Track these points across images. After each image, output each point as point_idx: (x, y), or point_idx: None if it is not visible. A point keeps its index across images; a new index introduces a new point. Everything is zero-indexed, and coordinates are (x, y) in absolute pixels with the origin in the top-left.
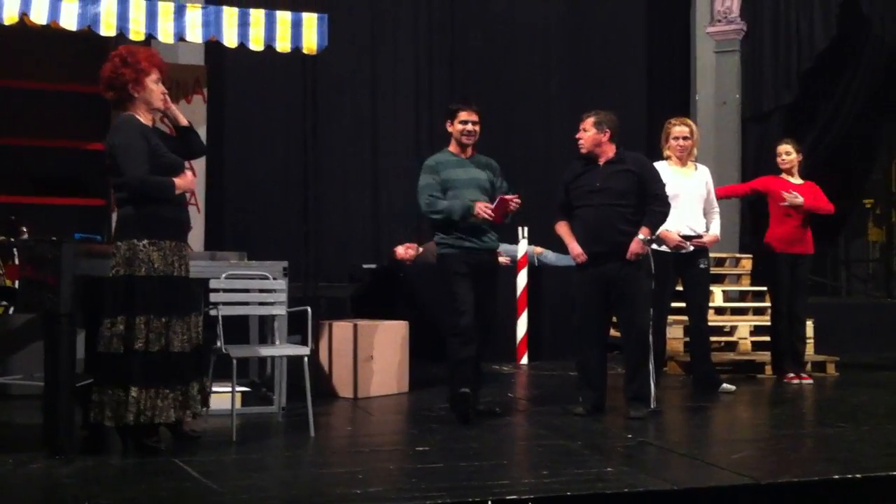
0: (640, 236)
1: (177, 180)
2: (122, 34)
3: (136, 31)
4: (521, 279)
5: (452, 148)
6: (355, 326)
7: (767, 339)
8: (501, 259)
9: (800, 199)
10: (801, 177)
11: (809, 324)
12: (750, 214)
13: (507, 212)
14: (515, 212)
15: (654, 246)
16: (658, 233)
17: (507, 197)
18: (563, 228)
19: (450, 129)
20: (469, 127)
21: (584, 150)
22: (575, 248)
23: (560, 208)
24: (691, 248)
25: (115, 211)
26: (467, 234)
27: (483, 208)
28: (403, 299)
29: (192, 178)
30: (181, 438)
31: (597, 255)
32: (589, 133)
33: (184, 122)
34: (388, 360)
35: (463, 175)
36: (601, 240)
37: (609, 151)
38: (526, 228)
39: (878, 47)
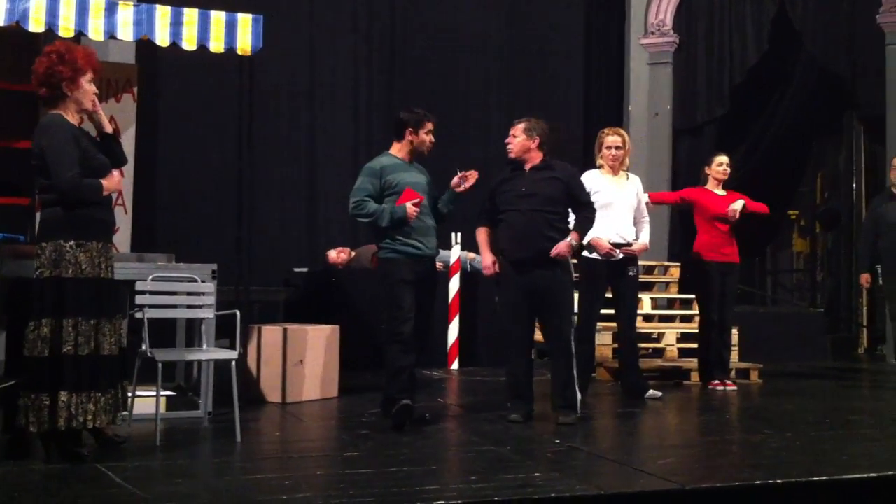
0: (570, 240)
1: (104, 181)
2: (51, 30)
3: (66, 28)
4: (454, 285)
5: (400, 153)
6: (285, 330)
7: (694, 346)
8: (436, 265)
9: (739, 204)
10: (726, 188)
11: (735, 332)
12: (680, 224)
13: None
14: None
15: (585, 253)
16: (589, 240)
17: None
18: (482, 236)
19: (409, 136)
20: (432, 138)
21: (512, 155)
22: (487, 258)
23: (483, 213)
24: (621, 255)
25: (39, 211)
26: (411, 239)
27: (413, 211)
28: (335, 304)
29: (119, 179)
30: (105, 444)
31: (522, 260)
32: (518, 139)
33: (108, 129)
34: (318, 365)
35: (411, 179)
36: (527, 245)
37: (536, 158)
38: (459, 234)
39: (809, 63)
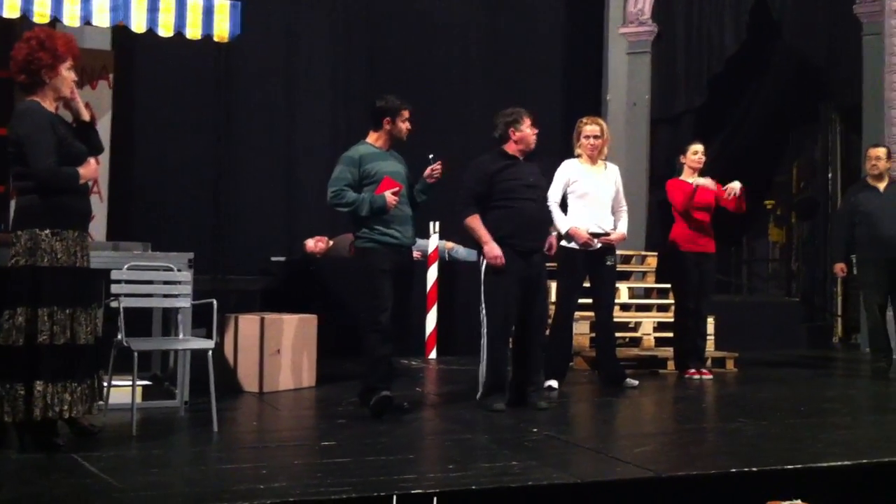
0: (555, 233)
1: (81, 170)
2: (25, 16)
3: (41, 14)
4: (432, 274)
5: (377, 142)
6: (262, 320)
7: (670, 335)
8: (414, 254)
9: (737, 185)
10: (702, 177)
11: (710, 321)
12: (657, 213)
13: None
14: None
15: (564, 242)
16: (567, 229)
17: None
18: (477, 222)
19: (387, 125)
20: (409, 125)
21: (523, 148)
22: (494, 249)
23: (473, 199)
24: (599, 245)
25: (13, 199)
26: (390, 228)
27: (393, 200)
28: (313, 293)
29: (95, 168)
30: (80, 433)
31: (531, 249)
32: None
33: (86, 117)
34: (295, 355)
35: (390, 168)
36: (538, 234)
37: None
38: (437, 223)
39: (786, 53)
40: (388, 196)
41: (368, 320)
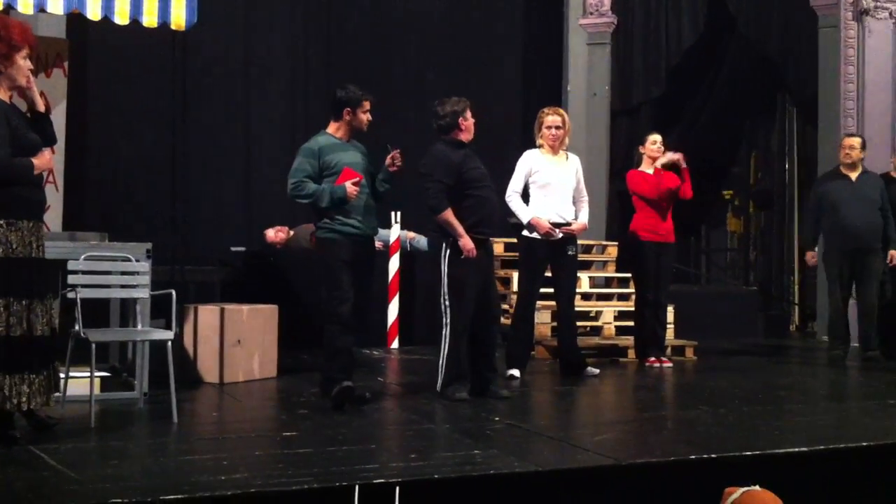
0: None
1: (35, 160)
2: None
3: None
4: (394, 264)
5: (337, 133)
6: (222, 310)
7: (631, 324)
8: (376, 244)
9: (677, 155)
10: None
11: (670, 310)
12: (618, 203)
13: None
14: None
15: (525, 232)
16: (529, 220)
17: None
18: (451, 216)
19: (347, 115)
20: (370, 116)
21: (471, 137)
22: (468, 242)
23: (445, 192)
24: (560, 235)
25: None
26: (350, 219)
27: (353, 191)
28: (273, 284)
29: (49, 158)
30: (37, 426)
31: (488, 237)
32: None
33: (41, 108)
34: (255, 345)
35: (350, 159)
36: (494, 224)
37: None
38: (399, 213)
39: (743, 45)
40: (349, 186)
41: (328, 311)
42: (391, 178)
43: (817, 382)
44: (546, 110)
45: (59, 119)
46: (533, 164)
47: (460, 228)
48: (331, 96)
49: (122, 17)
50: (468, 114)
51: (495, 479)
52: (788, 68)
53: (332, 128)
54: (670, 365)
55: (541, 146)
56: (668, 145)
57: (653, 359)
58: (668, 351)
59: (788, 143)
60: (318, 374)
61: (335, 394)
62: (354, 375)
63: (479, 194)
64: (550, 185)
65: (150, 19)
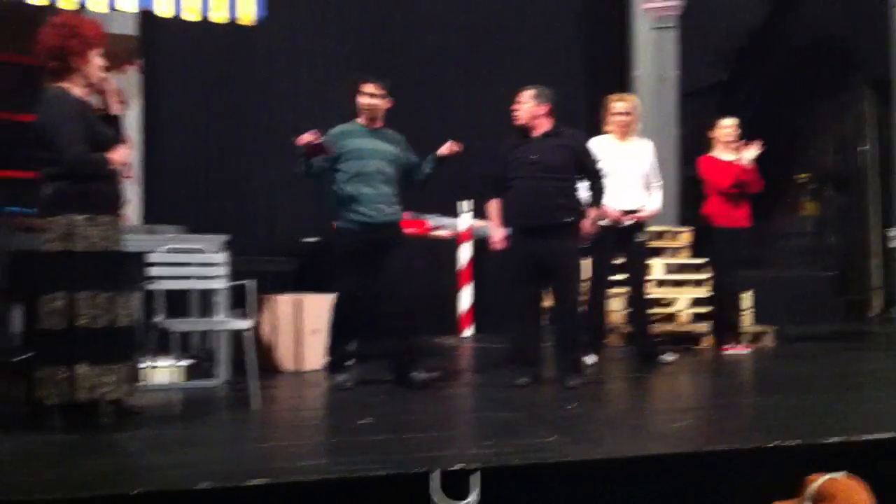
0: (591, 218)
1: (110, 155)
2: (52, 3)
3: (69, 0)
4: (465, 252)
5: (361, 119)
6: (299, 300)
7: (705, 310)
8: (443, 232)
9: (753, 154)
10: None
11: (746, 295)
12: (690, 189)
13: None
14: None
15: None
16: None
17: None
18: (493, 209)
19: (358, 101)
20: (373, 101)
21: (521, 122)
22: (497, 233)
23: (493, 183)
24: (629, 222)
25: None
26: (361, 207)
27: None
28: None
29: (125, 153)
30: (124, 414)
31: (531, 228)
32: (527, 105)
33: (115, 111)
34: None
35: (368, 145)
36: (535, 213)
37: (546, 125)
38: (472, 201)
39: (813, 26)
40: (301, 137)
41: (335, 303)
42: (438, 163)
43: None
44: (613, 97)
45: (134, 115)
46: (601, 151)
47: (493, 221)
48: None
49: (192, 13)
50: (518, 100)
51: (570, 466)
52: (861, 49)
53: (360, 115)
54: (747, 351)
55: (609, 133)
56: (740, 129)
57: (729, 345)
58: (745, 337)
59: (863, 125)
60: (391, 361)
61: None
62: (429, 362)
63: (513, 185)
64: (619, 172)
65: (219, 15)
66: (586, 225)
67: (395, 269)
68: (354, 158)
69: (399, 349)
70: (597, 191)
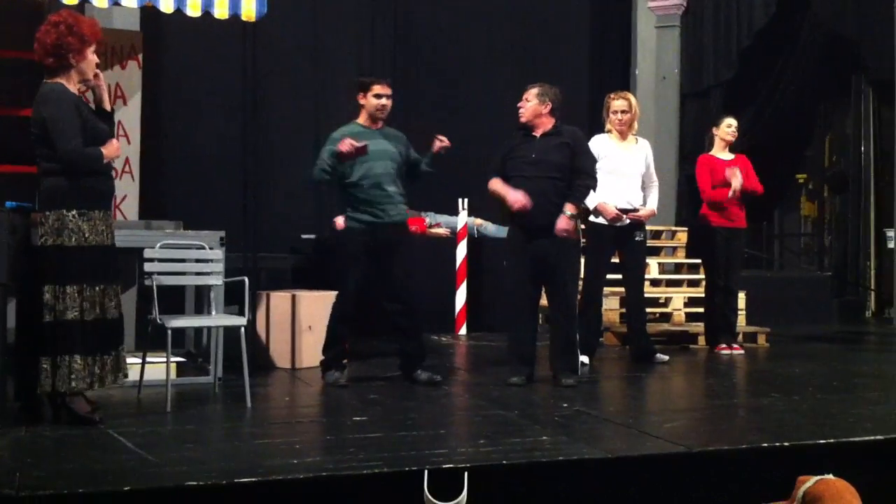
0: (567, 213)
1: (103, 149)
2: None
3: None
4: (461, 250)
5: (362, 120)
6: (294, 297)
7: (701, 310)
8: (440, 230)
9: (738, 183)
10: (734, 152)
11: (742, 296)
12: (687, 188)
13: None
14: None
15: (592, 218)
16: (596, 205)
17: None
18: (496, 183)
19: (362, 101)
20: (383, 102)
21: (523, 119)
22: (514, 194)
23: (494, 171)
24: (628, 221)
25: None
26: (370, 207)
27: (345, 147)
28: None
29: (117, 146)
30: (76, 420)
31: (530, 227)
32: (531, 103)
33: (108, 107)
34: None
35: (372, 147)
36: (535, 212)
37: (547, 124)
38: (466, 200)
39: (816, 25)
40: (343, 143)
41: (335, 304)
42: (435, 158)
43: (893, 369)
44: (613, 95)
45: (134, 110)
46: (600, 150)
47: (501, 189)
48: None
49: (193, 9)
50: (524, 97)
51: (564, 465)
52: (863, 48)
53: (360, 116)
54: (742, 352)
55: (609, 131)
56: (741, 128)
57: (724, 345)
58: (740, 337)
59: (864, 126)
60: (388, 359)
61: (327, 381)
62: (422, 362)
63: (513, 184)
64: (618, 171)
65: (221, 11)
66: (562, 223)
67: (402, 269)
68: (361, 160)
69: (409, 348)
70: (580, 188)
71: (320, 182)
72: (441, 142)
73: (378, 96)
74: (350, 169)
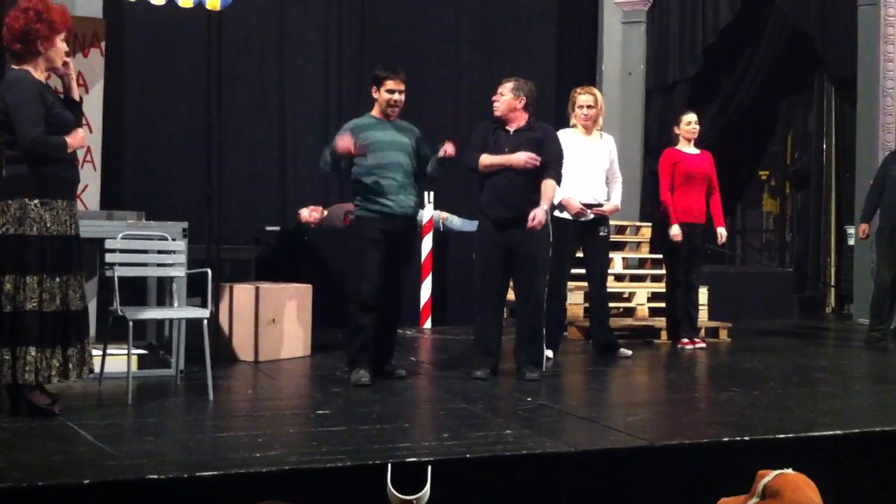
0: (544, 206)
1: (68, 138)
2: None
3: None
4: (426, 244)
5: (375, 112)
6: (257, 289)
7: (664, 305)
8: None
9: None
10: (698, 147)
11: (703, 291)
12: (651, 183)
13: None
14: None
15: (556, 213)
16: (560, 200)
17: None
18: (487, 158)
19: (375, 94)
20: (395, 97)
21: (497, 113)
22: (517, 155)
23: (477, 154)
24: (592, 215)
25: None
26: (383, 198)
27: (343, 145)
28: (307, 263)
29: (82, 136)
30: (36, 411)
31: (502, 220)
32: (505, 97)
33: (76, 96)
34: (290, 324)
35: (384, 137)
36: (508, 206)
37: (521, 119)
38: (432, 193)
39: (780, 22)
40: (338, 140)
41: (353, 290)
42: (441, 164)
43: (853, 364)
44: (578, 90)
45: (96, 98)
46: (565, 144)
47: (496, 159)
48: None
49: None
50: (499, 90)
51: (527, 459)
52: (826, 47)
53: (374, 108)
54: (703, 346)
55: (574, 126)
56: (704, 124)
57: (686, 340)
58: (702, 332)
59: (826, 123)
60: (379, 351)
61: (350, 367)
62: (391, 357)
63: (487, 178)
64: (582, 165)
65: None
66: (541, 214)
67: (406, 262)
68: (373, 150)
69: (385, 341)
70: (547, 183)
71: (330, 170)
72: (447, 150)
73: (391, 91)
74: (361, 159)
